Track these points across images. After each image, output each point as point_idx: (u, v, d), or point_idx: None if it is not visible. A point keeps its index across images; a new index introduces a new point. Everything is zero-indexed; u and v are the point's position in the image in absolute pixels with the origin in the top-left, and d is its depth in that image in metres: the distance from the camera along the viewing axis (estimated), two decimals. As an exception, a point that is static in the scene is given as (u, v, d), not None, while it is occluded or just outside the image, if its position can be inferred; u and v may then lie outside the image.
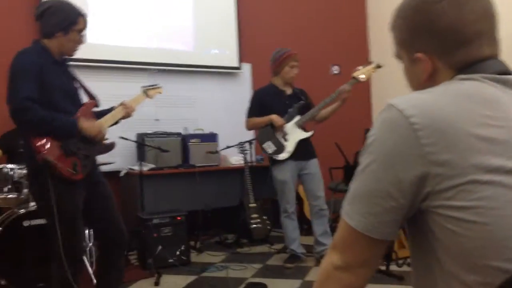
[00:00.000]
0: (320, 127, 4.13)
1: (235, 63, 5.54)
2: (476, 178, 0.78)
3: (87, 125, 2.48)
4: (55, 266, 2.42)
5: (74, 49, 2.56)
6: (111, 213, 2.63)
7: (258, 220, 4.64)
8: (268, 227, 4.70)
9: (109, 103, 2.82)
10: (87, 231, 3.46)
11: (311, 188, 3.89)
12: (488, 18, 0.92)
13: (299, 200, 4.77)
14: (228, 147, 4.86)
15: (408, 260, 3.59)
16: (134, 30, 4.96)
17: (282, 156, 3.81)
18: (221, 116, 5.42)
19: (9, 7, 4.40)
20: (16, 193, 3.29)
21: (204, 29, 5.35)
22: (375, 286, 3.22)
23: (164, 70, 5.03)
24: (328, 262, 0.93)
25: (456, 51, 0.91)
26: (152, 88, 3.08)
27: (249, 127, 4.07)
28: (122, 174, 4.59)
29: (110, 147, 2.71)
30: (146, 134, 4.64)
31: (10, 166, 3.32)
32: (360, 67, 3.81)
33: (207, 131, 5.10)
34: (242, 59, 5.57)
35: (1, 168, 3.28)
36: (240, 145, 4.74)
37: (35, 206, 3.21)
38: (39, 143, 2.34)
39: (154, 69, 4.97)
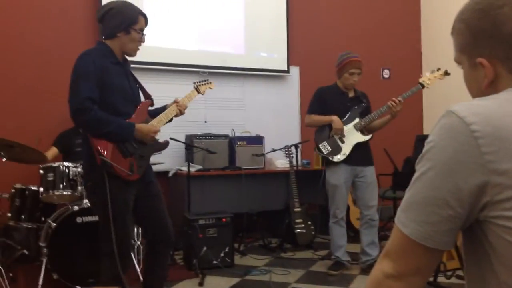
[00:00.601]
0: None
1: (283, 66, 5.55)
2: None
3: (142, 130, 2.53)
4: (105, 262, 2.50)
5: (136, 49, 2.63)
6: (160, 213, 2.68)
7: (303, 225, 4.62)
8: (313, 233, 4.66)
9: (160, 105, 2.89)
10: (135, 229, 3.55)
11: (364, 197, 3.79)
12: None
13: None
14: (273, 150, 4.87)
15: (457, 272, 3.47)
16: (186, 33, 5.07)
17: (337, 158, 3.74)
18: (268, 119, 5.45)
19: (70, 10, 4.60)
20: (70, 190, 3.41)
21: (254, 33, 5.40)
22: (423, 297, 3.13)
23: (213, 73, 5.10)
24: (379, 270, 0.91)
25: None
26: (204, 84, 3.11)
27: (308, 124, 3.98)
28: (170, 174, 4.69)
29: (164, 146, 2.77)
30: (194, 136, 4.72)
31: (66, 164, 3.45)
32: (427, 73, 3.71)
33: (254, 133, 5.13)
34: (290, 62, 5.58)
35: (58, 166, 3.42)
36: (286, 148, 4.73)
37: (88, 203, 3.34)
38: (98, 144, 2.42)
39: (204, 72, 5.05)
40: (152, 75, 4.85)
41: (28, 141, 3.38)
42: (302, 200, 4.66)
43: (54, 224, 3.29)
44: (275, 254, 4.44)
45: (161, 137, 2.76)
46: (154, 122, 2.69)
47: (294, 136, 5.49)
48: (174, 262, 4.08)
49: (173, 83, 4.96)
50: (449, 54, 1.02)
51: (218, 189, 4.67)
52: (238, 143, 4.92)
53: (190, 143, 4.56)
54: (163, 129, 2.79)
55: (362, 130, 3.81)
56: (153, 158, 2.98)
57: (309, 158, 5.28)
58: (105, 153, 2.42)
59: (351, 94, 3.91)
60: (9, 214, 3.50)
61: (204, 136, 4.77)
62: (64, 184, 3.41)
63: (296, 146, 4.85)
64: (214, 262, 3.91)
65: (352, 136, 3.78)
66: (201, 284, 3.52)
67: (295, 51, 5.61)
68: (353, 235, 4.65)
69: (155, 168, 2.85)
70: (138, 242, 3.60)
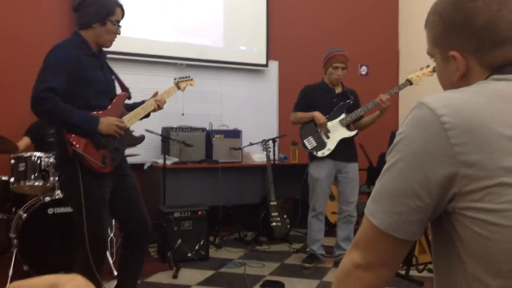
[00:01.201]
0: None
1: (262, 61, 5.55)
2: (505, 181, 0.77)
3: (104, 123, 2.45)
4: (79, 255, 2.45)
5: (111, 40, 2.56)
6: (137, 206, 2.64)
7: (278, 219, 4.63)
8: (288, 226, 4.69)
9: (136, 96, 2.84)
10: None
11: (345, 193, 3.82)
12: None
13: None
14: (251, 144, 4.87)
15: (429, 266, 3.53)
16: (164, 24, 5.01)
17: (322, 152, 3.76)
18: (246, 113, 5.44)
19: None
20: (42, 181, 3.35)
21: (233, 26, 5.37)
22: (395, 291, 3.18)
23: (192, 65, 5.06)
24: (349, 260, 0.91)
25: (491, 50, 0.89)
26: (184, 80, 3.07)
27: (293, 121, 3.98)
28: (146, 166, 4.65)
29: (139, 140, 2.72)
30: (171, 128, 4.68)
31: (38, 154, 3.38)
32: (417, 70, 3.72)
33: (231, 127, 5.12)
34: (269, 56, 5.57)
35: (29, 156, 3.35)
36: (264, 142, 4.73)
37: (60, 195, 3.28)
38: (70, 136, 2.37)
39: (182, 64, 5.00)
40: (130, 66, 4.79)
41: (-1, 130, 3.30)
42: (278, 194, 4.67)
43: (25, 215, 3.23)
44: (250, 247, 4.45)
45: (136, 129, 2.72)
46: (130, 115, 2.63)
47: (272, 130, 5.49)
48: (148, 254, 4.04)
49: (151, 74, 4.91)
50: (425, 52, 1.02)
51: (194, 182, 4.64)
52: (216, 137, 4.90)
53: (167, 136, 4.52)
54: (139, 122, 2.74)
55: (348, 126, 3.83)
56: (128, 150, 2.93)
57: (286, 153, 5.30)
58: (78, 145, 2.37)
59: (338, 90, 3.91)
60: (-22, 205, 3.42)
61: (181, 129, 4.74)
62: (36, 174, 3.34)
63: (273, 140, 4.86)
64: (189, 255, 3.90)
65: (338, 132, 3.79)
66: (175, 276, 3.50)
67: (275, 45, 5.60)
68: (328, 228, 4.68)
69: (130, 160, 2.80)
70: (111, 235, 3.56)
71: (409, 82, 3.68)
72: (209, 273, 3.64)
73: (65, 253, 3.21)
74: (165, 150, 4.48)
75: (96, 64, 2.53)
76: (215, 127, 5.07)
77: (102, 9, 2.48)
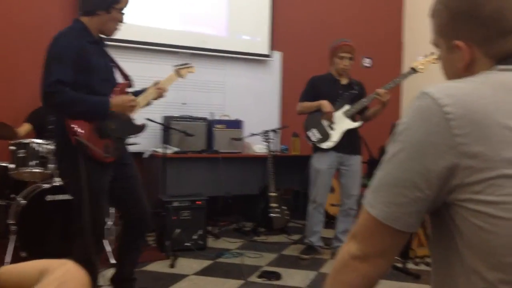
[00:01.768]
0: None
1: (266, 51, 5.50)
2: (506, 173, 0.76)
3: (118, 102, 2.46)
4: (77, 242, 2.45)
5: (114, 29, 2.53)
6: (137, 194, 2.63)
7: (278, 210, 4.63)
8: (287, 217, 4.68)
9: (138, 84, 2.82)
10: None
11: (347, 185, 3.80)
12: None
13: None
14: (252, 134, 4.85)
15: (426, 259, 3.53)
16: (167, 12, 4.97)
17: (327, 145, 3.72)
18: (248, 103, 5.41)
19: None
20: (41, 168, 3.35)
21: (237, 15, 5.32)
22: (391, 283, 3.18)
23: (194, 54, 5.03)
24: (346, 251, 0.91)
25: (497, 40, 0.87)
26: (185, 67, 3.02)
27: (299, 111, 3.94)
28: (145, 155, 4.63)
29: (141, 128, 2.69)
30: (172, 117, 4.66)
31: (38, 141, 3.37)
32: (421, 58, 3.63)
33: (233, 117, 5.09)
34: (273, 47, 5.53)
35: (29, 143, 3.34)
36: (265, 133, 4.72)
37: (59, 182, 3.27)
38: (73, 125, 2.34)
39: (185, 52, 4.97)
40: (132, 54, 4.75)
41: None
42: (278, 186, 4.66)
43: (24, 202, 3.22)
44: (249, 238, 4.45)
45: (137, 117, 2.70)
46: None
47: (273, 121, 5.47)
48: (146, 243, 4.04)
49: (153, 63, 4.87)
50: (430, 43, 1.00)
51: (194, 172, 4.63)
52: (217, 127, 4.88)
53: (167, 125, 4.50)
54: (140, 110, 2.72)
55: (353, 117, 3.79)
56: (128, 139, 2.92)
57: (288, 144, 5.28)
58: (81, 133, 2.35)
59: (344, 81, 3.88)
60: (-24, 190, 3.42)
61: (182, 118, 4.72)
62: (35, 161, 3.33)
63: (275, 131, 4.84)
64: (187, 244, 3.90)
65: (342, 123, 3.75)
66: (172, 266, 3.50)
67: (279, 36, 5.56)
68: (327, 220, 4.68)
69: (130, 148, 2.79)
70: (111, 223, 3.55)
71: (414, 70, 3.61)
72: (207, 263, 3.64)
73: (63, 239, 3.21)
74: (166, 139, 4.46)
75: (98, 51, 2.51)
76: (216, 117, 5.05)
77: None
